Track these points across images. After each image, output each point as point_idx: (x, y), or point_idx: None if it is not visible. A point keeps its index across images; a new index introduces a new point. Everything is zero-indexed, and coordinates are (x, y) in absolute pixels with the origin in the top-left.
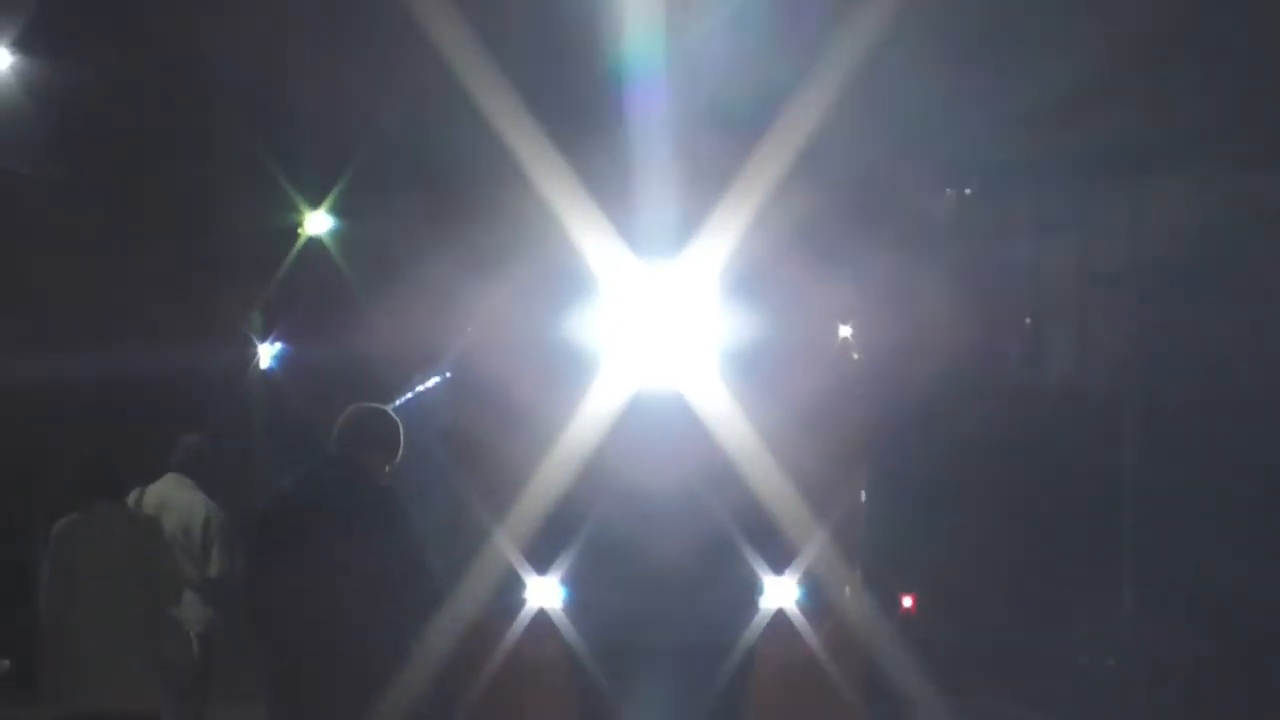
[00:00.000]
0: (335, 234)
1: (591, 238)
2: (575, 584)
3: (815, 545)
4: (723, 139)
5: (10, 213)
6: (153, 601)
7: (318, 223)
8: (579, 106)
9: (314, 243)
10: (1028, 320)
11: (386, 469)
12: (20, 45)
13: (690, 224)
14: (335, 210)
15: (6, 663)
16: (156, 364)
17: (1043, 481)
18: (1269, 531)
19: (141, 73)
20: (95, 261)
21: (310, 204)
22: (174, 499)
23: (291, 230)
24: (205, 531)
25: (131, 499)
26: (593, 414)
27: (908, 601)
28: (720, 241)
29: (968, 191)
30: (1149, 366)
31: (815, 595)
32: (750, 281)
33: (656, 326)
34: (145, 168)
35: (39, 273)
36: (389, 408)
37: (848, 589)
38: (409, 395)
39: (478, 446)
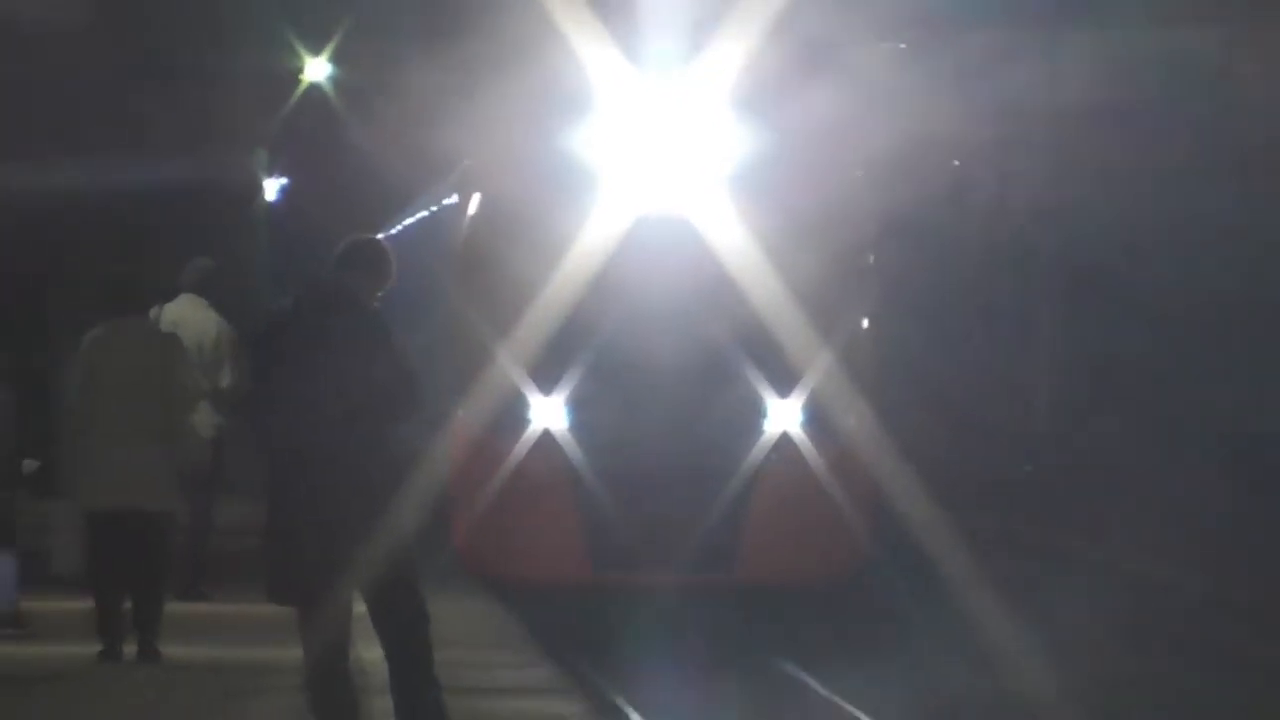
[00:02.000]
0: (334, 79)
1: (595, 50)
2: (580, 406)
3: (822, 366)
4: None
5: (23, 41)
6: (171, 408)
7: (317, 69)
8: None
9: (314, 87)
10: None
11: (378, 294)
12: None
13: (696, 38)
14: (334, 57)
15: (35, 463)
16: (170, 186)
17: (969, 302)
18: (1175, 345)
19: None
20: (108, 91)
21: (311, 51)
22: (189, 317)
23: (293, 75)
24: (216, 347)
25: (151, 315)
26: (598, 234)
27: None
28: (727, 56)
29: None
30: (1065, 203)
31: (821, 419)
32: (757, 98)
33: (661, 143)
34: (156, 11)
35: (51, 97)
36: (381, 237)
37: (855, 413)
38: (408, 222)
39: (482, 268)
